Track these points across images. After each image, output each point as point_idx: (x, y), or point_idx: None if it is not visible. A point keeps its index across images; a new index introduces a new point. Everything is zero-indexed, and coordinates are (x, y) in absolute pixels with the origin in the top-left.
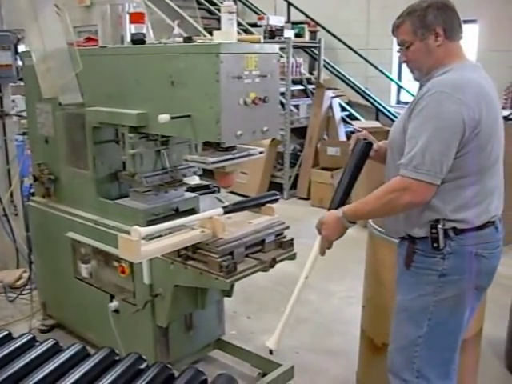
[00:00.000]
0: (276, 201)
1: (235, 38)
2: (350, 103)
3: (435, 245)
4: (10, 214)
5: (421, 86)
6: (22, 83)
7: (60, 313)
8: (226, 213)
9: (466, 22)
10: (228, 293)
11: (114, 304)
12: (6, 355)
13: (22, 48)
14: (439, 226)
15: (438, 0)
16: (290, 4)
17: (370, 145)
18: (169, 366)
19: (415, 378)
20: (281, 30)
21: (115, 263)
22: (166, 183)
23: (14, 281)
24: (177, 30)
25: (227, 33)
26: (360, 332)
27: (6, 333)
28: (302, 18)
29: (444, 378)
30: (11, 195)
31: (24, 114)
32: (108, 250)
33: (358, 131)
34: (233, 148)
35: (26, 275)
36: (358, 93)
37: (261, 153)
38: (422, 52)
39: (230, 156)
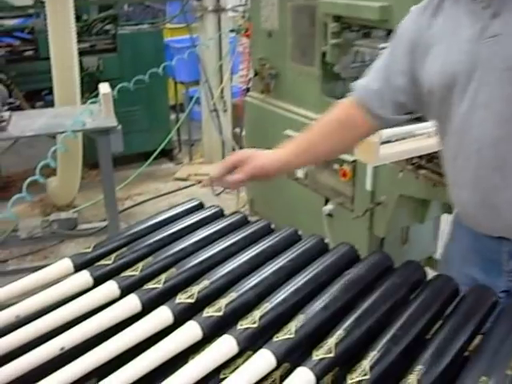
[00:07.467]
0: None
1: None
2: None
3: None
4: (219, 109)
5: None
6: None
7: (267, 211)
8: None
9: None
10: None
11: (329, 207)
12: (217, 231)
13: None
14: None
15: None
16: None
17: None
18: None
19: None
20: None
21: (335, 166)
22: None
23: None
24: None
25: None
26: None
27: (217, 209)
28: None
29: None
30: (221, 91)
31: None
32: None
33: None
34: None
35: None
36: None
37: None
38: None
39: None
